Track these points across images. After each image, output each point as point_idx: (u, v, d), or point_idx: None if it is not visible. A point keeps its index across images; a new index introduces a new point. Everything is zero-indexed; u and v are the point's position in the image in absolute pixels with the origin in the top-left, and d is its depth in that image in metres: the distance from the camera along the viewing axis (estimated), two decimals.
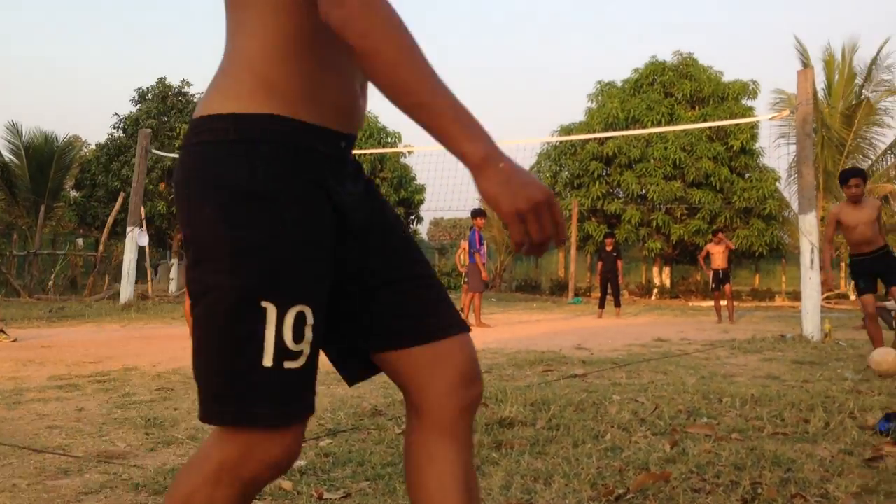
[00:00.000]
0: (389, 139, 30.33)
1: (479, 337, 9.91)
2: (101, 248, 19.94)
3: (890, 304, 12.71)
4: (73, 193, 29.66)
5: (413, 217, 31.76)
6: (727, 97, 27.34)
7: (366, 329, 1.36)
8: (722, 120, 24.44)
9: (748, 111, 27.15)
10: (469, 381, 1.34)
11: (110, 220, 19.50)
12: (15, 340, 8.31)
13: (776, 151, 29.21)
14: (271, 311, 1.16)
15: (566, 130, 28.55)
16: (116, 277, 18.56)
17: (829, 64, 27.46)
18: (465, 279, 12.76)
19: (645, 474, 2.97)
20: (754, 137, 27.04)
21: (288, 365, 1.18)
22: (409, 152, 28.88)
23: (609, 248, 15.74)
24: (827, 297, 19.70)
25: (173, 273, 21.64)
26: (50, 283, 19.07)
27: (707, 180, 26.36)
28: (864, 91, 26.80)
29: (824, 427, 3.93)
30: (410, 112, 1.13)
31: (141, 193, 16.41)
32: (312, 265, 1.21)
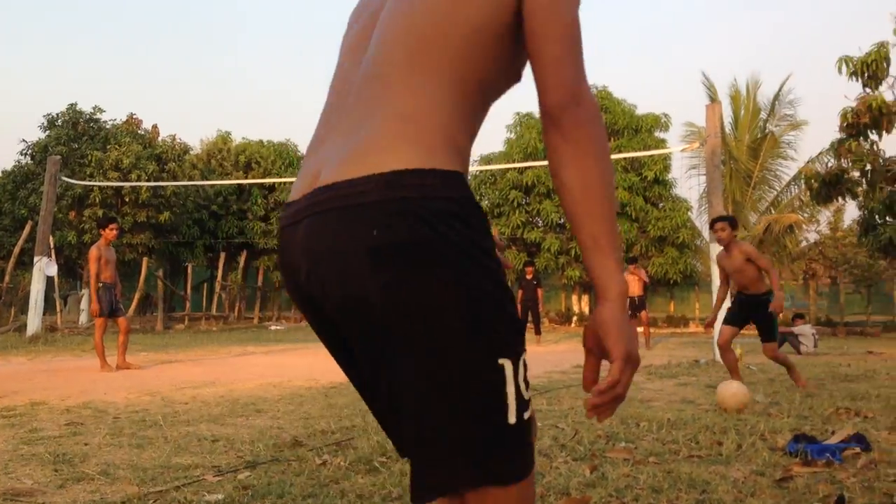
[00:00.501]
0: None
1: None
2: (6, 278, 19.16)
3: (796, 328, 13.22)
4: None
5: None
6: (640, 129, 28.09)
7: None
8: (636, 151, 25.11)
9: (661, 143, 27.95)
10: None
11: (17, 250, 18.77)
12: None
13: (688, 182, 30.22)
14: (508, 367, 1.13)
15: (486, 160, 28.87)
16: (23, 309, 17.83)
17: (735, 99, 28.56)
18: None
19: (566, 499, 3.00)
20: (667, 168, 27.81)
21: (526, 416, 1.15)
22: None
23: (529, 277, 15.91)
24: None
25: (83, 304, 20.93)
26: None
27: (623, 210, 26.96)
28: (768, 125, 27.94)
29: (737, 449, 4.04)
30: (575, 216, 1.18)
31: (50, 222, 15.87)
32: (515, 310, 1.19)
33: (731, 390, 5.51)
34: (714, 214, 11.37)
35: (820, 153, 22.92)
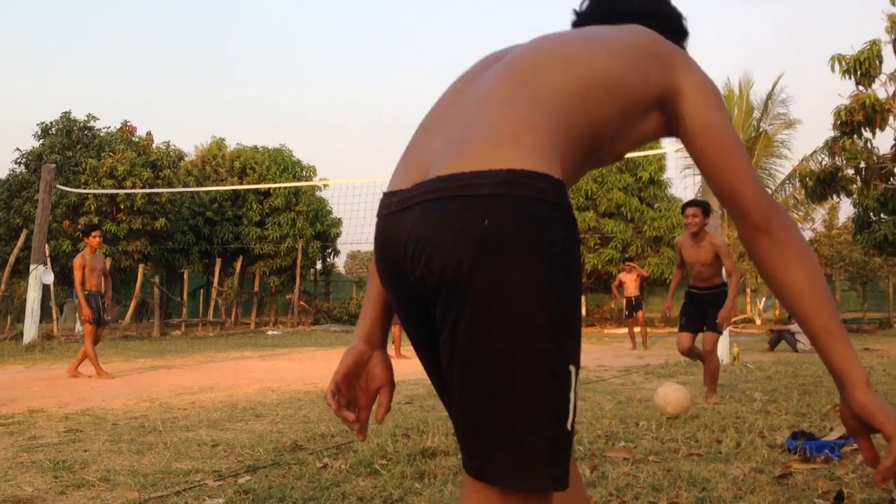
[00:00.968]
0: (304, 173, 30.13)
1: (400, 368, 9.86)
2: (2, 286, 19.11)
3: (793, 326, 13.24)
4: None
5: (330, 251, 31.54)
6: None
7: None
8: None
9: (655, 143, 28.02)
10: None
11: (12, 258, 18.73)
12: None
13: (682, 182, 30.16)
14: (573, 374, 1.18)
15: None
16: (19, 317, 17.81)
17: (728, 98, 28.62)
18: None
19: None
20: (662, 169, 27.87)
21: (574, 426, 1.19)
22: (325, 186, 28.75)
23: None
24: (735, 322, 20.36)
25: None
26: None
27: (618, 210, 27.00)
28: (761, 124, 28.02)
29: (736, 447, 4.05)
30: (804, 313, 1.31)
31: (45, 230, 15.84)
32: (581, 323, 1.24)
33: (674, 395, 5.25)
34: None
35: (814, 151, 22.98)
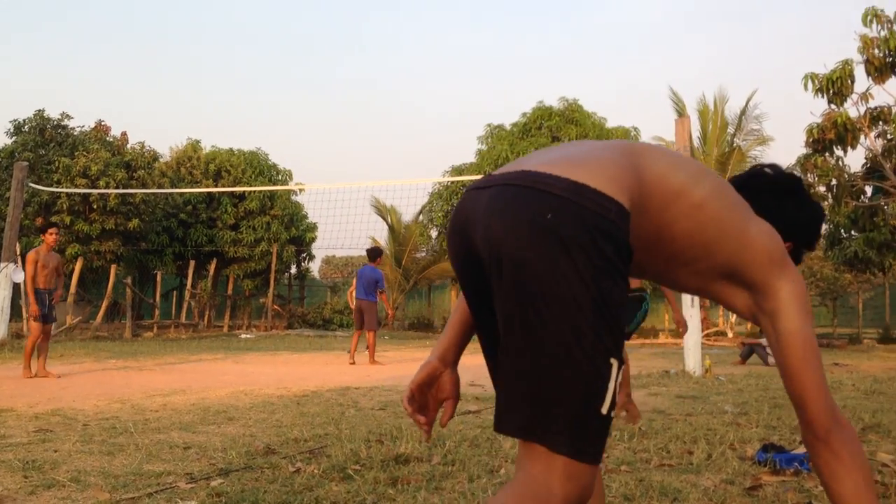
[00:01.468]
0: (280, 177, 30.01)
1: (373, 375, 9.86)
2: None
3: (764, 340, 13.38)
4: None
5: (305, 255, 31.42)
6: None
7: None
8: None
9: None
10: None
11: None
12: None
13: None
14: (615, 367, 1.32)
15: (457, 171, 28.94)
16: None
17: (703, 113, 28.88)
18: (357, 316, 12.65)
19: None
20: None
21: (612, 413, 1.34)
22: (301, 190, 28.61)
23: None
24: (707, 335, 20.52)
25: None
26: None
27: None
28: (735, 140, 28.31)
29: (707, 458, 4.09)
30: None
31: (17, 228, 15.66)
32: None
33: None
34: None
35: (786, 168, 23.24)
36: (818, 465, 1.54)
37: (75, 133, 25.52)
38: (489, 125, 29.79)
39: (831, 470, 1.51)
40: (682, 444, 4.54)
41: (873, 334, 25.63)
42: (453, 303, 29.66)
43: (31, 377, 8.93)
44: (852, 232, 19.63)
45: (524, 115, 29.81)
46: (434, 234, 29.80)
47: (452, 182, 28.30)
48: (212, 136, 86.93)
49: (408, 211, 34.03)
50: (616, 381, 1.33)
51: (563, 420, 1.30)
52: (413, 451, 4.12)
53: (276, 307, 27.28)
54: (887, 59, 14.55)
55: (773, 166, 1.89)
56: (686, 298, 11.05)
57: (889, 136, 15.62)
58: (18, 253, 16.08)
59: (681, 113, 27.39)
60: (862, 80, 14.88)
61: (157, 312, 24.24)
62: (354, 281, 12.89)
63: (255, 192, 27.11)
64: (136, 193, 23.26)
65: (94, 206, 23.30)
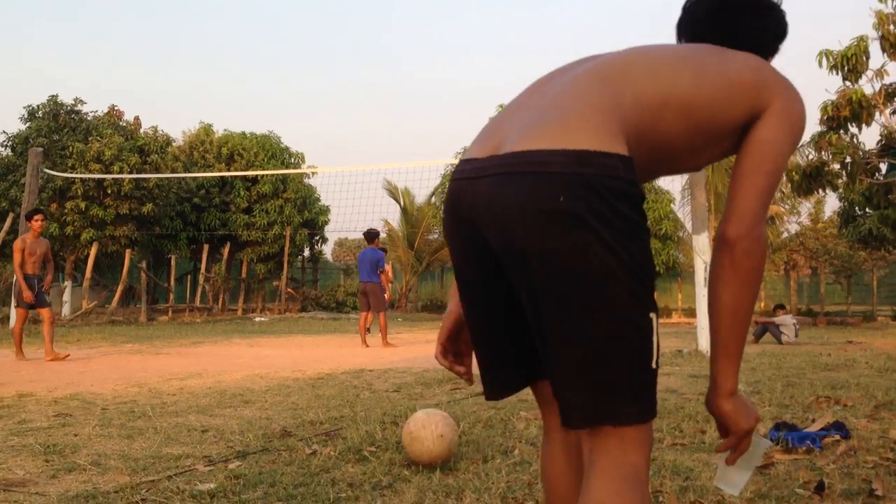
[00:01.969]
0: (293, 160, 30.06)
1: (387, 357, 9.92)
2: None
3: (777, 319, 13.35)
4: None
5: (318, 238, 31.51)
6: None
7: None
8: None
9: None
10: None
11: None
12: None
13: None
14: (654, 319, 1.36)
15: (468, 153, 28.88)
16: (5, 301, 17.75)
17: None
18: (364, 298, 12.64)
19: None
20: None
21: (660, 362, 1.39)
22: (313, 173, 28.70)
23: None
24: None
25: (66, 296, 20.83)
26: None
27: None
28: None
29: (719, 437, 4.10)
30: (717, 325, 1.49)
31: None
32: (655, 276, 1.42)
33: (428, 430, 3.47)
34: (697, 207, 11.44)
35: (800, 146, 23.09)
36: (714, 263, 1.48)
37: (89, 118, 25.61)
38: (501, 105, 29.69)
39: (723, 273, 1.46)
40: (694, 423, 4.56)
41: (888, 311, 25.53)
42: None
43: (24, 360, 9.27)
44: (867, 210, 19.48)
45: None
46: None
47: None
48: (224, 120, 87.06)
49: (420, 193, 34.01)
50: (657, 331, 1.36)
51: (629, 393, 1.33)
52: None
53: (289, 290, 27.41)
54: None
55: None
56: (699, 278, 11.04)
57: None
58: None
59: None
60: (877, 57, 14.75)
61: (171, 296, 24.40)
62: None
63: (267, 175, 27.16)
64: (149, 178, 23.37)
65: (109, 191, 23.43)
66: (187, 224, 27.44)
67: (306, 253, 31.76)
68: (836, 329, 18.42)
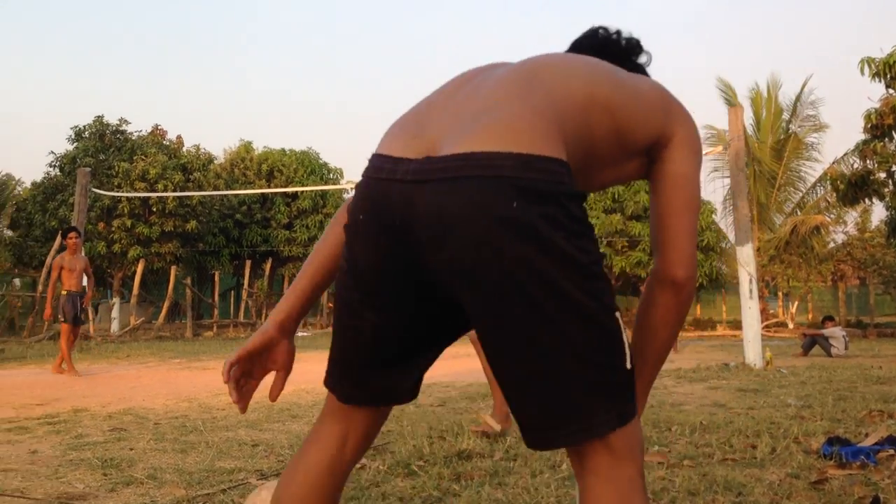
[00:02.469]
0: (332, 175, 30.35)
1: (429, 371, 9.93)
2: (39, 287, 19.46)
3: (826, 331, 13.14)
4: (8, 233, 28.92)
5: None
6: None
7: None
8: None
9: None
10: None
11: (48, 260, 19.07)
12: None
13: (711, 185, 30.05)
14: (619, 318, 1.32)
15: None
16: (56, 318, 18.07)
17: (755, 101, 28.40)
18: None
19: None
20: None
21: (634, 362, 1.35)
22: (352, 188, 28.77)
23: None
24: (766, 326, 20.21)
25: (115, 312, 21.24)
26: None
27: (645, 213, 26.84)
28: (791, 126, 27.76)
29: (771, 452, 4.07)
30: (646, 359, 1.51)
31: (82, 232, 16.12)
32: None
33: None
34: (741, 217, 11.33)
35: (844, 154, 22.75)
36: (657, 302, 1.48)
37: (133, 138, 26.17)
38: None
39: (667, 313, 1.48)
40: (744, 438, 4.52)
41: None
42: None
43: (76, 375, 9.39)
44: None
45: None
46: None
47: None
48: (264, 137, 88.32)
49: None
50: (625, 330, 1.31)
51: (606, 400, 1.27)
52: (475, 446, 4.18)
53: (330, 305, 27.59)
54: None
55: (605, 28, 1.71)
56: (744, 289, 10.93)
57: None
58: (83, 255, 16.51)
59: (730, 102, 26.96)
60: None
61: (215, 312, 24.72)
62: None
63: (307, 191, 27.44)
64: (192, 195, 23.76)
65: (154, 209, 23.88)
66: (230, 240, 27.83)
67: None
68: (888, 341, 18.06)
